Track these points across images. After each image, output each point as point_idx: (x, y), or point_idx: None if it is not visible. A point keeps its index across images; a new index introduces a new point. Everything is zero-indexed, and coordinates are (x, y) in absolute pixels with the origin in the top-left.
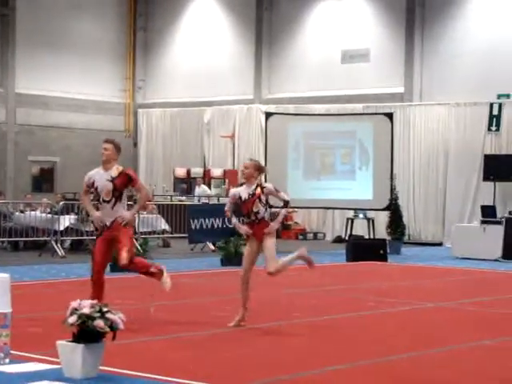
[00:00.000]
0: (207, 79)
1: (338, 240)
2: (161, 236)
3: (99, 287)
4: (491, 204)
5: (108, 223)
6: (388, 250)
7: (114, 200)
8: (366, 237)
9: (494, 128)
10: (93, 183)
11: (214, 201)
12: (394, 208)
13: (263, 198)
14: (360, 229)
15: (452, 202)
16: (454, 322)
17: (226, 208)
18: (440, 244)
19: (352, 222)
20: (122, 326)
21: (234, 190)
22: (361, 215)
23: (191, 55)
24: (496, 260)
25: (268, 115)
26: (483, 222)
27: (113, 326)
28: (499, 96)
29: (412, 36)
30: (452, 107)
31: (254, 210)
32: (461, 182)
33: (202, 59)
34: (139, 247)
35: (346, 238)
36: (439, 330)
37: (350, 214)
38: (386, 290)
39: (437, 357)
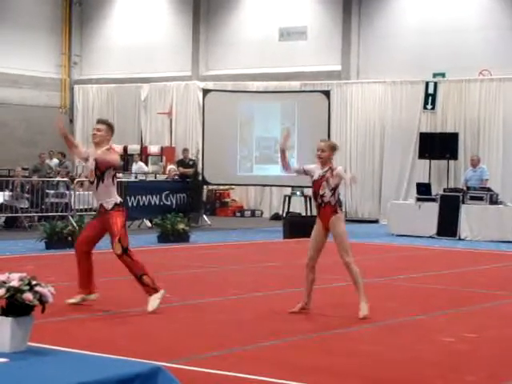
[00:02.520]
0: (144, 55)
1: (276, 217)
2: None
3: (82, 264)
4: (426, 182)
5: (97, 205)
6: None
7: (96, 180)
8: (304, 214)
9: (429, 106)
10: (86, 159)
11: (151, 178)
12: None
13: (331, 181)
14: (297, 206)
15: (388, 179)
16: (388, 298)
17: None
18: (376, 221)
19: (289, 200)
20: (51, 300)
21: (312, 166)
22: (298, 192)
23: (128, 31)
24: (431, 237)
25: (205, 92)
26: (418, 200)
27: (42, 299)
28: (435, 75)
29: (349, 14)
30: (388, 85)
31: (321, 192)
32: (397, 160)
33: (139, 35)
34: (74, 224)
35: (284, 215)
36: (373, 305)
37: (288, 191)
38: (322, 266)
39: (368, 332)
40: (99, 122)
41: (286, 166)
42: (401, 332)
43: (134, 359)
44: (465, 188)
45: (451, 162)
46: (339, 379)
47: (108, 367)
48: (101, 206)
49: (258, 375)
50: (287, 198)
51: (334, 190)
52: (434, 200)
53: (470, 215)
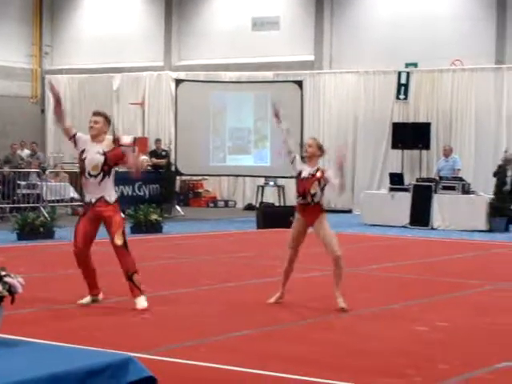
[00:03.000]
0: (116, 45)
1: (249, 207)
2: (69, 204)
3: (85, 267)
4: (399, 172)
5: (93, 200)
6: None
7: (102, 175)
8: (277, 204)
9: (402, 96)
10: (83, 151)
11: (124, 168)
12: None
13: (322, 182)
14: (271, 196)
15: (361, 169)
16: (362, 288)
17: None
18: (349, 211)
19: (263, 190)
20: (20, 290)
21: (301, 163)
22: (271, 183)
23: (99, 21)
24: (404, 226)
25: (178, 82)
26: (391, 190)
27: (11, 290)
28: (407, 65)
29: (322, 4)
30: (361, 75)
31: (312, 191)
32: (369, 150)
33: (111, 25)
34: (46, 215)
35: (257, 205)
36: (347, 295)
37: (261, 181)
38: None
39: (342, 322)
40: (96, 113)
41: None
42: (374, 321)
43: (105, 350)
44: (437, 178)
45: (424, 152)
46: (312, 368)
47: (79, 358)
48: (100, 199)
49: (231, 365)
50: (260, 189)
51: (323, 189)
52: (406, 190)
53: (442, 205)
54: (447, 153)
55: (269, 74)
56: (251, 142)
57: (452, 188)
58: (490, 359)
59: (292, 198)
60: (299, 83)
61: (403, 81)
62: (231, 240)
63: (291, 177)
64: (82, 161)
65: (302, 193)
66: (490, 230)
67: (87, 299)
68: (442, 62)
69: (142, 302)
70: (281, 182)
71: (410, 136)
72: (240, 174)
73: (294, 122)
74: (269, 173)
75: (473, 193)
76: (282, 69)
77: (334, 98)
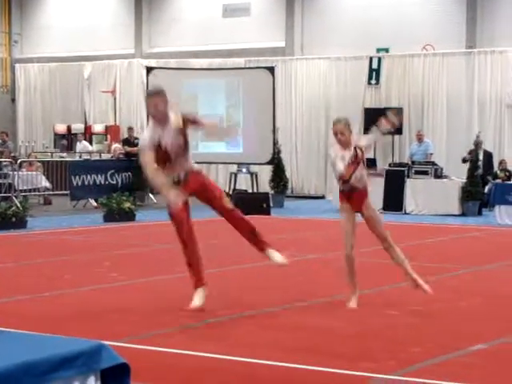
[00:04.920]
0: (86, 33)
1: (227, 195)
2: (42, 193)
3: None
4: (372, 157)
5: (182, 176)
6: (271, 204)
7: (186, 150)
8: (250, 191)
9: (373, 82)
10: (159, 145)
11: (96, 157)
12: (276, 162)
13: (364, 159)
14: (244, 183)
15: None
16: (335, 273)
17: (340, 168)
18: (322, 197)
19: (235, 177)
20: None
21: (336, 149)
22: (244, 170)
23: (69, 8)
24: None
25: (149, 70)
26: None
27: None
28: (378, 50)
29: None
30: (332, 61)
31: (358, 175)
32: None
33: (81, 13)
34: (18, 205)
35: (230, 192)
36: (320, 281)
37: (234, 168)
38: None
39: (315, 307)
40: (155, 94)
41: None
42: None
43: (77, 338)
44: (410, 162)
45: (396, 137)
46: (285, 353)
47: (51, 346)
48: (188, 172)
49: (205, 352)
50: (233, 176)
51: (365, 168)
52: (379, 175)
53: (415, 189)
54: (420, 137)
55: (240, 61)
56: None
57: (425, 172)
58: (464, 342)
59: (265, 185)
60: (271, 69)
61: (375, 66)
62: (205, 227)
63: (264, 163)
64: (165, 151)
65: (348, 179)
66: (463, 214)
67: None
68: (414, 47)
69: (276, 257)
70: (253, 168)
71: None
72: (212, 161)
73: (265, 108)
74: (241, 160)
75: (445, 177)
76: (253, 55)
77: (306, 84)
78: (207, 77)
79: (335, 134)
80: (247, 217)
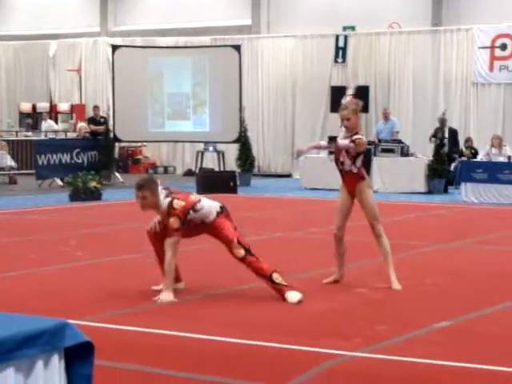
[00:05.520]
0: (51, 11)
1: (189, 173)
2: (7, 173)
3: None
4: (336, 135)
5: None
6: (238, 182)
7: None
8: (217, 170)
9: (340, 60)
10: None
11: (62, 136)
12: (243, 140)
13: (352, 151)
14: (210, 162)
15: (300, 133)
16: (302, 251)
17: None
18: (289, 175)
19: (202, 155)
20: None
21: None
22: (211, 148)
23: None
24: None
25: (115, 48)
26: (331, 153)
27: None
28: (345, 28)
29: None
30: (299, 39)
31: (341, 159)
32: (309, 114)
33: None
34: None
35: (197, 171)
36: (287, 259)
37: (200, 147)
38: (235, 221)
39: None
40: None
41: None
42: (314, 284)
43: (41, 316)
44: (376, 140)
45: (362, 115)
46: (251, 332)
47: (14, 324)
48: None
49: (170, 330)
50: (200, 154)
51: (355, 158)
52: None
53: (381, 167)
54: (386, 115)
55: (206, 39)
56: (190, 107)
57: (391, 151)
58: (429, 319)
59: (232, 164)
60: (237, 48)
61: (341, 44)
62: None
63: (230, 142)
64: None
65: (336, 161)
66: (429, 192)
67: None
68: (380, 25)
69: (295, 295)
70: (220, 147)
71: None
72: (179, 140)
73: (232, 86)
74: (208, 138)
75: (412, 155)
76: (219, 33)
77: (272, 62)
78: (173, 55)
79: (341, 119)
80: (260, 262)
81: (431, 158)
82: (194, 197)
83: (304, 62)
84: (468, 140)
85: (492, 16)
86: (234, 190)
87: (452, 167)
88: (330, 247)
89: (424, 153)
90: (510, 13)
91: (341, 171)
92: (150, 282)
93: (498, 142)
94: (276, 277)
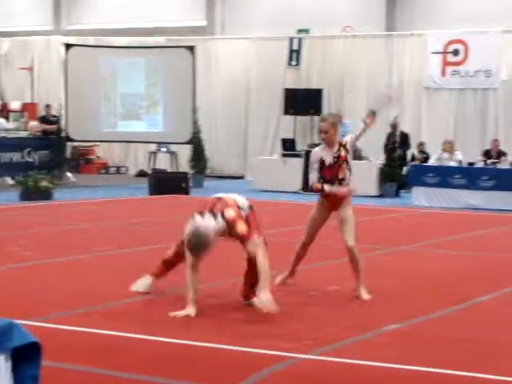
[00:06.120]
0: (4, 9)
1: (141, 174)
2: None
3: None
4: (291, 137)
5: None
6: (190, 184)
7: None
8: (169, 170)
9: (294, 63)
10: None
11: (13, 134)
12: (196, 142)
13: (349, 158)
14: (163, 162)
15: (254, 135)
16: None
17: (313, 180)
18: (241, 177)
19: (155, 156)
20: None
21: (317, 152)
22: (163, 149)
23: None
24: (296, 192)
25: (68, 47)
26: (284, 155)
27: None
28: (299, 31)
29: None
30: (253, 41)
31: (340, 176)
32: (262, 116)
33: None
34: None
35: (149, 171)
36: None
37: (153, 147)
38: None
39: (224, 288)
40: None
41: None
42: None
43: None
44: None
45: (316, 118)
46: (200, 333)
47: None
48: None
49: (121, 331)
50: (152, 155)
51: (350, 167)
52: (298, 156)
53: None
54: (340, 119)
55: (160, 40)
56: (143, 107)
57: None
58: (379, 322)
59: (185, 165)
60: (191, 49)
61: (295, 47)
62: (123, 206)
63: (183, 143)
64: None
65: (330, 179)
66: (381, 196)
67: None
68: (334, 29)
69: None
70: (173, 148)
71: (302, 102)
72: (132, 140)
73: (185, 87)
74: (161, 139)
75: (364, 159)
76: (174, 34)
77: (227, 64)
78: (127, 55)
79: (319, 131)
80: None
81: (383, 162)
82: (227, 198)
83: (258, 65)
84: (420, 144)
85: (445, 22)
86: (186, 192)
87: (404, 171)
88: (283, 249)
89: (377, 157)
90: (462, 19)
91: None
92: (99, 282)
93: (449, 147)
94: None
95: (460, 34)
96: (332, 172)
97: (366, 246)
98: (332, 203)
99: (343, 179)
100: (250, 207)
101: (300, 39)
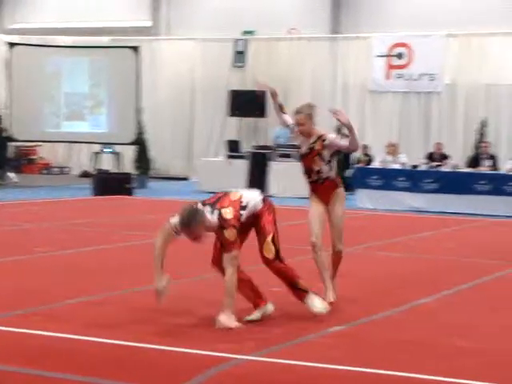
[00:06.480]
0: None
1: (84, 174)
2: None
3: None
4: (236, 139)
5: None
6: (135, 185)
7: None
8: (113, 171)
9: (239, 64)
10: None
11: None
12: (140, 142)
13: (325, 153)
14: (107, 163)
15: (198, 136)
16: (198, 253)
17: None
18: (186, 178)
19: (98, 157)
20: None
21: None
22: (107, 149)
23: None
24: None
25: (11, 46)
26: (228, 157)
27: None
28: (244, 32)
29: None
30: (198, 42)
31: (315, 168)
32: (207, 118)
33: None
34: None
35: (93, 172)
36: (182, 262)
37: (96, 148)
38: (130, 223)
39: (179, 287)
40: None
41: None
42: (209, 287)
43: None
44: (274, 145)
45: (261, 120)
46: (141, 335)
47: None
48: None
49: (61, 333)
50: (96, 155)
51: (330, 161)
52: (243, 157)
53: (278, 172)
54: None
55: (105, 40)
56: (87, 107)
57: (288, 155)
58: (323, 324)
59: (129, 165)
60: (135, 49)
61: (240, 48)
62: (66, 207)
63: (127, 143)
64: None
65: (307, 171)
66: None
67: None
68: (279, 31)
69: (318, 303)
70: (117, 148)
71: (247, 103)
72: (75, 141)
73: (130, 88)
74: (105, 139)
75: None
76: (119, 34)
77: (171, 65)
78: (71, 55)
79: (296, 124)
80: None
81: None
82: (234, 195)
83: (203, 66)
84: (364, 147)
85: (389, 25)
86: (129, 192)
87: (347, 173)
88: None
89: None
90: (407, 22)
91: (316, 181)
92: (43, 283)
93: (393, 150)
94: (301, 283)
95: (404, 37)
96: (306, 163)
97: (308, 248)
98: (320, 195)
99: (320, 171)
100: (264, 200)
101: (245, 41)
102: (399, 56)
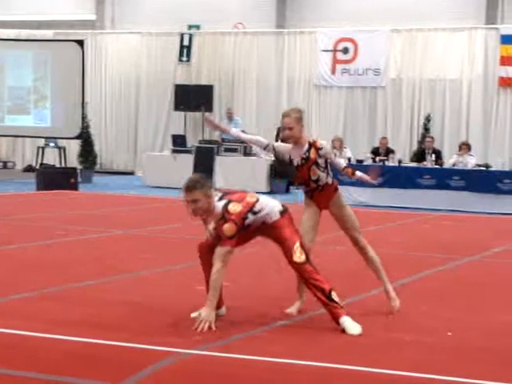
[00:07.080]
0: None
1: (29, 169)
2: None
3: None
4: (182, 133)
5: None
6: (79, 179)
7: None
8: (58, 166)
9: (184, 59)
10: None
11: None
12: (85, 137)
13: (321, 161)
14: (51, 158)
15: (144, 131)
16: (143, 249)
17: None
18: (131, 173)
19: (43, 151)
20: None
21: (279, 147)
22: (52, 144)
23: None
24: None
25: None
26: (174, 151)
27: None
28: (190, 27)
29: None
30: (143, 36)
31: (313, 177)
32: (152, 112)
33: None
34: None
35: (37, 166)
36: (128, 257)
37: (41, 142)
38: (75, 218)
39: (123, 283)
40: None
41: (223, 129)
42: (158, 281)
43: None
44: (220, 140)
45: (206, 114)
46: (85, 329)
47: None
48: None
49: (10, 329)
50: (41, 150)
51: (326, 167)
52: (189, 152)
53: (224, 167)
54: (230, 115)
55: (49, 33)
56: (31, 101)
57: (234, 150)
58: (269, 318)
59: (74, 160)
60: (80, 43)
61: (186, 43)
62: (10, 202)
63: (72, 138)
64: None
65: (304, 182)
66: (272, 192)
67: None
68: (225, 25)
69: (353, 326)
70: (62, 143)
71: (193, 98)
72: (19, 135)
73: (74, 82)
74: (49, 134)
75: (254, 155)
76: (63, 27)
77: (116, 59)
78: (14, 48)
79: (283, 128)
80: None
81: (273, 159)
82: (251, 197)
83: (148, 60)
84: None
85: (334, 20)
86: (74, 187)
87: None
88: (173, 245)
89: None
90: (352, 17)
91: (315, 189)
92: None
93: (338, 144)
94: (334, 295)
95: (349, 32)
96: (303, 174)
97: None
98: (319, 202)
99: (318, 180)
100: (282, 213)
101: (191, 35)
102: (345, 51)
